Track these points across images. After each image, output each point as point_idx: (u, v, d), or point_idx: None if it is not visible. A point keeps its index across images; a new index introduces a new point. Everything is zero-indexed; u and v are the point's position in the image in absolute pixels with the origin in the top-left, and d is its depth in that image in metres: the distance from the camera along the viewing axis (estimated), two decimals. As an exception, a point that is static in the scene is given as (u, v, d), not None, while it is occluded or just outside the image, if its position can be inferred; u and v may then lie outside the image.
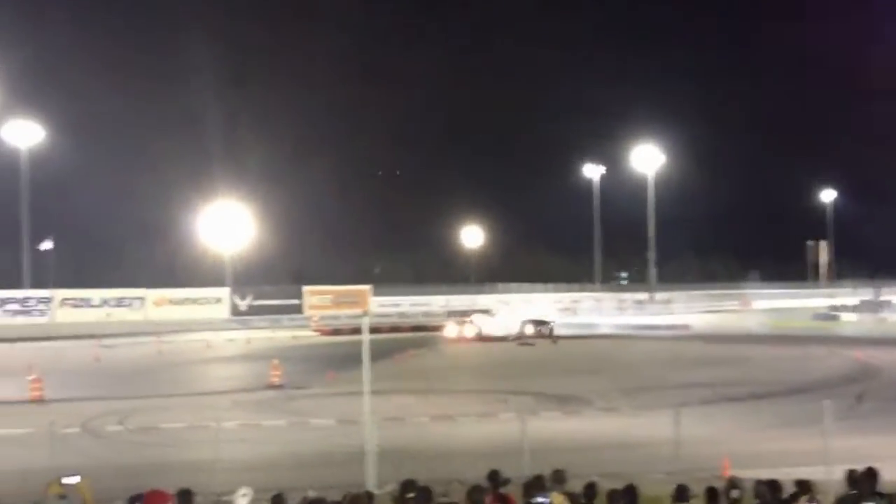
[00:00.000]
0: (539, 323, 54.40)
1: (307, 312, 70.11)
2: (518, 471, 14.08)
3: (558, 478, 12.01)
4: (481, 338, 52.42)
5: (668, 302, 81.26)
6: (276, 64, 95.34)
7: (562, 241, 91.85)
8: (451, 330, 54.45)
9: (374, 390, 18.00)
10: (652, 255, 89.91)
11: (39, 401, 29.15)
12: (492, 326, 53.88)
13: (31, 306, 64.47)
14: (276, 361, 34.67)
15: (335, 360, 37.24)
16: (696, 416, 22.63)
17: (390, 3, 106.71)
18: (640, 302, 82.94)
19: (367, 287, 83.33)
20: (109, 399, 29.87)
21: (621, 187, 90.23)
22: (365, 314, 18.54)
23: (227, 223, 72.64)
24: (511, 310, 59.82)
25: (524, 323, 54.12)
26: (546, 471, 12.11)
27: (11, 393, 30.28)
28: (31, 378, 30.31)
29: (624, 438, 22.07)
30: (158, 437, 23.37)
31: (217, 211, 72.89)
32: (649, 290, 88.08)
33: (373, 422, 17.25)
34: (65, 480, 12.44)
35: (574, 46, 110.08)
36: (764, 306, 75.07)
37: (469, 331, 53.69)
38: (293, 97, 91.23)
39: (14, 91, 68.97)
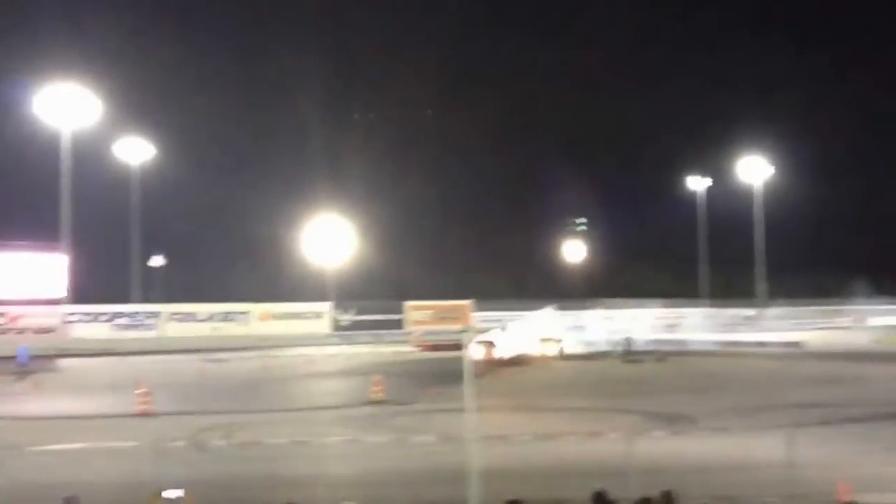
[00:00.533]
0: (549, 340, 53.50)
1: (408, 327, 70.39)
2: (625, 492, 13.69)
3: (667, 500, 11.67)
4: (500, 360, 47.84)
5: (777, 318, 79.33)
6: (378, 79, 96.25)
7: (667, 255, 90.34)
8: (477, 351, 47.03)
9: (476, 407, 17.73)
10: (761, 269, 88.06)
11: (148, 414, 29.67)
12: (505, 346, 49.88)
13: (140, 321, 66.07)
14: (377, 377, 34.71)
15: (436, 375, 37.12)
16: (811, 437, 21.79)
17: (490, 20, 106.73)
18: (748, 318, 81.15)
19: (468, 302, 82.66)
20: (215, 413, 30.29)
21: (728, 199, 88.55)
22: (466, 329, 18.31)
23: (330, 238, 73.51)
24: (520, 327, 55.26)
25: (540, 341, 52.92)
26: (654, 493, 11.75)
27: (121, 406, 31.02)
28: (139, 392, 30.89)
29: (734, 460, 21.36)
30: (263, 452, 23.48)
31: (320, 226, 73.84)
32: (758, 305, 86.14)
33: (475, 439, 16.99)
34: (165, 494, 12.48)
35: (676, 52, 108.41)
36: (879, 323, 72.60)
37: (496, 352, 48.54)
38: (395, 112, 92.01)
39: (126, 108, 71.01)
